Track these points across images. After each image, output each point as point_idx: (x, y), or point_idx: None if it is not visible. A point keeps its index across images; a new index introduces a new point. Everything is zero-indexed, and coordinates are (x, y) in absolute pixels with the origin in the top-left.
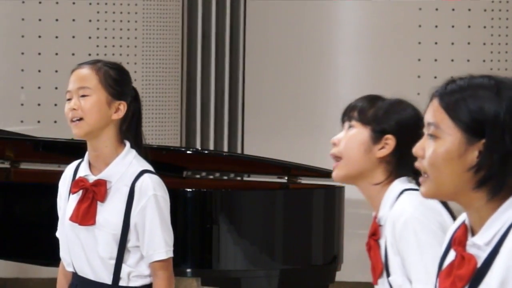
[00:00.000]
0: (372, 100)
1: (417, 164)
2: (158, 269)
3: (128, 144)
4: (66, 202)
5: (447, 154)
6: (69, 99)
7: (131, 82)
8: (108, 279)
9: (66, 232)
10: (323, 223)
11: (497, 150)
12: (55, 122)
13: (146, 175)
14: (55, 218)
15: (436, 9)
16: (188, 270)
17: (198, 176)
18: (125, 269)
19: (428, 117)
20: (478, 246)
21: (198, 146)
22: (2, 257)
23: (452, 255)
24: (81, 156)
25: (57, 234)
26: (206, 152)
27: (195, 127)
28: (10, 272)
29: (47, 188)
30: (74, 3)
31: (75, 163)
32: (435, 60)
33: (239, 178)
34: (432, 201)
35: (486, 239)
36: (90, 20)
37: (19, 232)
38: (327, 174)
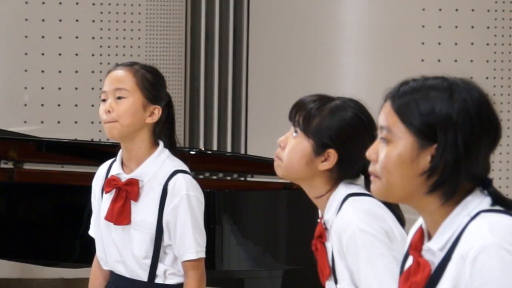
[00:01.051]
0: (319, 105)
1: (370, 168)
2: (189, 268)
3: (161, 144)
4: (100, 201)
5: (399, 158)
6: (103, 100)
7: (166, 87)
8: (144, 277)
9: (101, 231)
10: None
11: (449, 154)
12: (59, 122)
13: (179, 175)
14: (59, 218)
15: (440, 10)
16: None
17: (201, 176)
18: (161, 267)
19: (380, 120)
20: (433, 251)
21: (201, 147)
22: (5, 257)
23: (411, 259)
24: (85, 156)
25: (91, 233)
26: (209, 152)
27: (198, 128)
28: (13, 273)
29: (51, 188)
30: (77, 3)
31: (108, 162)
32: (439, 60)
33: (242, 179)
34: (376, 207)
35: (439, 244)
36: (93, 21)
37: (22, 232)
38: None
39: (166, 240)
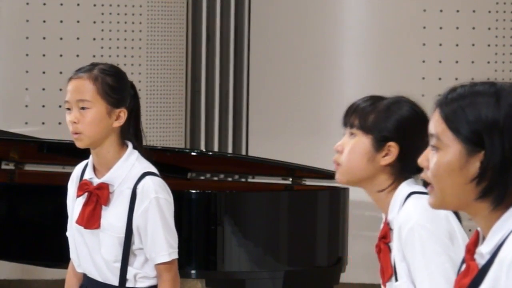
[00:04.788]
0: (372, 103)
1: (423, 175)
2: (162, 271)
3: (130, 145)
4: (74, 203)
5: (449, 166)
6: (68, 109)
7: (129, 84)
8: (114, 281)
9: (74, 234)
10: (327, 225)
11: (496, 159)
12: (59, 123)
13: (148, 178)
14: (59, 219)
15: (441, 11)
16: (193, 271)
17: (202, 177)
18: (131, 271)
19: (430, 128)
20: (482, 255)
21: (203, 148)
22: (6, 258)
23: None
24: (86, 157)
25: (67, 233)
26: (210, 153)
27: (199, 129)
28: (14, 274)
29: (52, 190)
30: (78, 4)
31: (83, 163)
32: (440, 61)
33: (243, 180)
34: None
35: (489, 248)
36: (94, 22)
37: (23, 233)
38: (331, 175)
39: (136, 243)
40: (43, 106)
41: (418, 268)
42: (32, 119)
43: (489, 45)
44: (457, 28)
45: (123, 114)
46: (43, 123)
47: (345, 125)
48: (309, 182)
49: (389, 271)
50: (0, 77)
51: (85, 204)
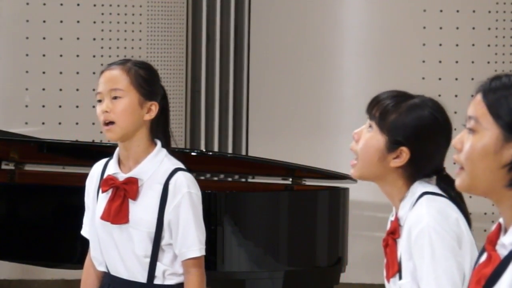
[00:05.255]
0: (398, 101)
1: (454, 156)
2: (191, 266)
3: (159, 143)
4: (95, 201)
5: (484, 149)
6: (99, 101)
7: (160, 81)
8: (142, 278)
9: (97, 231)
10: (327, 225)
11: None
12: (60, 123)
13: (180, 173)
14: (60, 220)
15: (441, 11)
16: None
17: (202, 177)
18: (160, 267)
19: (470, 111)
20: (505, 245)
21: (203, 148)
22: (7, 258)
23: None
24: (86, 157)
25: (83, 233)
26: (210, 153)
27: (199, 128)
28: (14, 274)
29: (52, 190)
30: (78, 4)
31: (103, 161)
32: (440, 61)
33: (243, 180)
34: (450, 209)
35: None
36: (94, 22)
37: (23, 233)
38: (331, 175)
39: (166, 238)
40: (43, 106)
41: (425, 271)
42: (32, 119)
43: (489, 45)
44: (457, 28)
45: (154, 107)
46: (43, 123)
47: (368, 112)
48: (309, 182)
49: (394, 267)
50: (0, 77)
51: (111, 199)
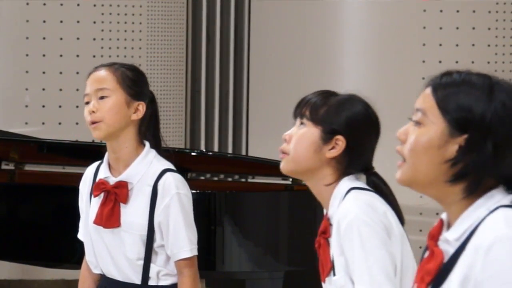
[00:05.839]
0: (325, 97)
1: (398, 148)
2: (183, 267)
3: (147, 144)
4: (88, 205)
5: (428, 142)
6: (87, 102)
7: (148, 84)
8: (136, 279)
9: (91, 235)
10: None
11: (476, 150)
12: (60, 123)
13: (168, 174)
14: (60, 220)
15: (441, 11)
16: None
17: (202, 177)
18: (154, 268)
19: (417, 103)
20: (448, 241)
21: (203, 148)
22: (6, 258)
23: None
24: (87, 157)
25: (80, 236)
26: (210, 153)
27: (199, 129)
28: (14, 274)
29: (52, 190)
30: (78, 4)
31: (95, 164)
32: (440, 61)
33: (243, 180)
34: (378, 202)
35: (456, 234)
36: (94, 22)
37: (23, 233)
38: None
39: (158, 240)
40: (43, 106)
41: (357, 262)
42: (32, 119)
43: (489, 45)
44: (457, 28)
45: (141, 107)
46: (43, 123)
47: (296, 116)
48: None
49: (328, 266)
50: (0, 77)
51: (103, 204)
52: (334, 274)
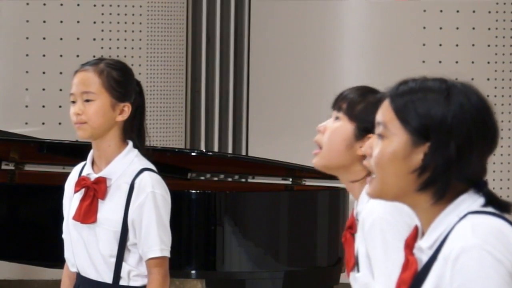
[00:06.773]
0: (364, 93)
1: (365, 162)
2: (152, 266)
3: (130, 143)
4: (71, 202)
5: (393, 154)
6: (73, 102)
7: (134, 80)
8: (109, 278)
9: (70, 232)
10: (327, 225)
11: (440, 155)
12: (60, 123)
13: (146, 173)
14: (60, 220)
15: (441, 11)
16: (193, 271)
17: (202, 177)
18: (125, 267)
19: (378, 117)
20: (422, 249)
21: (203, 148)
22: (7, 258)
23: None
24: (86, 157)
25: (63, 235)
26: (210, 153)
27: (199, 129)
28: (14, 274)
29: (52, 190)
30: (78, 4)
31: (81, 164)
32: (440, 62)
33: (243, 180)
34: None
35: (429, 242)
36: (94, 22)
37: (23, 233)
38: (331, 176)
39: (131, 238)
40: (43, 106)
41: (378, 262)
42: (32, 119)
43: (489, 45)
44: (457, 28)
45: (127, 108)
46: (43, 123)
47: (333, 107)
48: (309, 182)
49: (352, 261)
50: (0, 77)
51: (82, 199)
52: (358, 270)
